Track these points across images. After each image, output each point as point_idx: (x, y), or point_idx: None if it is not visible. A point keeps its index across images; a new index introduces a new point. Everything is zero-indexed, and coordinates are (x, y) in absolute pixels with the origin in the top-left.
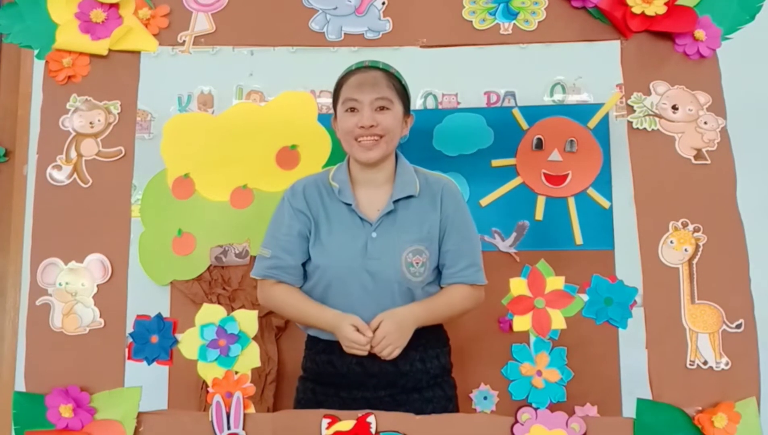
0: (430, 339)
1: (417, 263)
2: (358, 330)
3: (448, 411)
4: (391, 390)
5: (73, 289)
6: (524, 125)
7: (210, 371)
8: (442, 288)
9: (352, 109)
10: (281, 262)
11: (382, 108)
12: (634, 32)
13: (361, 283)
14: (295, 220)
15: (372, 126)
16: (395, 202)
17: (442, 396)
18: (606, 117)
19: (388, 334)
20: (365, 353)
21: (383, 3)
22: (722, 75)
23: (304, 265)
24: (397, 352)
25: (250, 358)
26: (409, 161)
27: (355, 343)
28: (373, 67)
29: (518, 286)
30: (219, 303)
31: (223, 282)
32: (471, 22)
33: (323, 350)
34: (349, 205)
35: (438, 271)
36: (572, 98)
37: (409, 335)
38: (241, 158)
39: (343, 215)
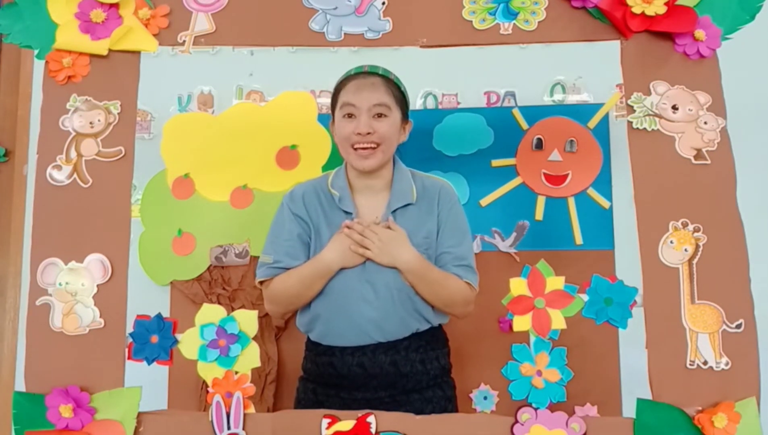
0: (429, 340)
1: None
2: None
3: (448, 411)
4: (391, 391)
5: (73, 289)
6: (524, 125)
7: (210, 371)
8: None
9: (350, 115)
10: (283, 265)
11: (379, 115)
12: (634, 32)
13: (362, 291)
14: (295, 225)
15: (369, 133)
16: (393, 211)
17: (441, 396)
18: (606, 117)
19: (383, 237)
20: (359, 241)
21: (383, 3)
22: (722, 75)
23: None
24: (369, 254)
25: (250, 358)
26: (409, 162)
27: (349, 232)
28: (372, 72)
29: (518, 286)
30: (219, 303)
31: (223, 282)
32: (471, 22)
33: (324, 353)
34: (350, 213)
35: None
36: (572, 98)
37: (395, 259)
38: (241, 158)
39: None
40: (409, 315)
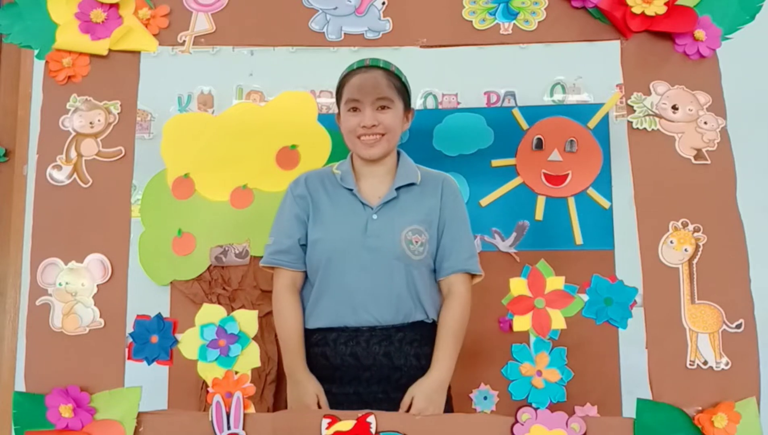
0: (425, 336)
1: (416, 242)
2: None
3: (444, 410)
4: (384, 386)
5: (73, 289)
6: (524, 125)
7: (210, 371)
8: (439, 285)
9: (355, 109)
10: (281, 247)
11: (383, 107)
12: (634, 32)
13: (360, 259)
14: (295, 205)
15: (374, 125)
16: (397, 189)
17: None
18: (606, 117)
19: (422, 411)
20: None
21: (383, 3)
22: (722, 75)
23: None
24: (431, 410)
25: (250, 358)
26: None
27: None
28: (373, 66)
29: (518, 286)
30: (219, 303)
31: (223, 282)
32: (471, 22)
33: (316, 343)
34: (351, 190)
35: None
36: (572, 98)
37: (442, 397)
38: (241, 158)
39: (345, 199)
40: (407, 292)
